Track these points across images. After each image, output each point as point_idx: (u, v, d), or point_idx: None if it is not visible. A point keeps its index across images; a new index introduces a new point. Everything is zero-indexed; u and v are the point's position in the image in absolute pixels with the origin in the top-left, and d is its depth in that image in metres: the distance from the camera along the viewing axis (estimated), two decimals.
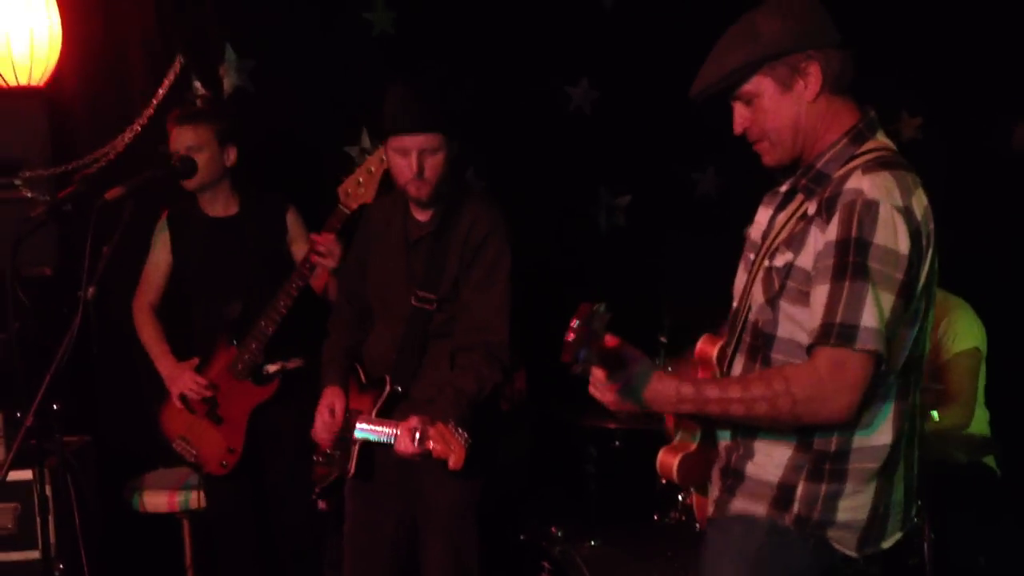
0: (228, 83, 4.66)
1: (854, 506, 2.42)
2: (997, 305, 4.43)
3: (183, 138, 4.04)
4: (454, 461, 3.21)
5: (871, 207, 2.28)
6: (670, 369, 3.98)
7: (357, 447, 3.51)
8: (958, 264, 3.06)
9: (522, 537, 4.06)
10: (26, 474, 3.79)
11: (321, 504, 3.63)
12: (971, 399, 4.14)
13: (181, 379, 4.10)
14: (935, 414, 3.61)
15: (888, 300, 2.28)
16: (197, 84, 4.63)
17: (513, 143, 4.87)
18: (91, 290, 2.89)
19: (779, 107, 2.43)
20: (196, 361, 4.12)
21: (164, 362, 4.17)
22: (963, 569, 3.88)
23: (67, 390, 3.12)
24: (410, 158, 3.41)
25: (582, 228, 5.07)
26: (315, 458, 3.65)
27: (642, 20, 4.94)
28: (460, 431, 3.22)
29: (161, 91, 4.51)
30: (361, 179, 3.77)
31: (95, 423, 4.44)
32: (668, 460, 2.57)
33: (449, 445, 3.21)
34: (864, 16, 4.87)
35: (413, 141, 3.40)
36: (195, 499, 4.31)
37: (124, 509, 4.38)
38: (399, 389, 3.50)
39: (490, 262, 3.48)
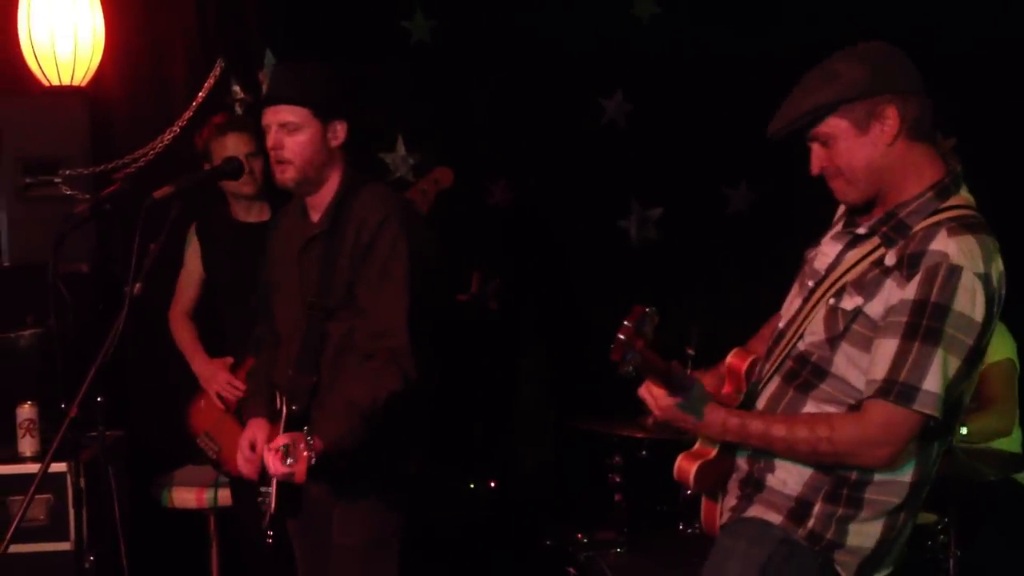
0: (266, 87, 4.71)
1: (865, 533, 2.47)
2: None
3: (240, 145, 4.06)
4: (297, 475, 2.83)
5: (955, 272, 2.31)
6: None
7: (275, 482, 3.11)
8: None
9: (548, 543, 4.08)
10: (60, 467, 3.84)
11: (269, 536, 3.23)
12: (1010, 407, 4.15)
13: (216, 379, 4.14)
14: (964, 429, 3.61)
15: (955, 365, 2.33)
16: (236, 88, 4.69)
17: (546, 154, 4.90)
18: (137, 286, 2.92)
19: (855, 149, 2.43)
20: (231, 360, 4.17)
21: (199, 361, 4.21)
22: None
23: (103, 385, 3.16)
24: (270, 134, 3.10)
25: (613, 240, 5.09)
26: (257, 499, 3.32)
27: (677, 34, 4.97)
28: (311, 440, 2.83)
29: (201, 94, 4.55)
30: (412, 199, 3.75)
31: (127, 419, 4.49)
32: (686, 466, 2.61)
33: (296, 457, 2.82)
34: (894, 38, 4.89)
35: (273, 114, 3.09)
36: (223, 496, 4.34)
37: (153, 504, 4.43)
38: (294, 408, 3.10)
39: (383, 258, 3.07)
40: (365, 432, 2.97)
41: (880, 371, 2.35)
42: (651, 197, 5.10)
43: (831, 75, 2.44)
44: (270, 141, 3.10)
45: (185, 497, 4.40)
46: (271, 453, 2.88)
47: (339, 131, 3.14)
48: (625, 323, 2.30)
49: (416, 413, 3.20)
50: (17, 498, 3.52)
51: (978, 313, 2.33)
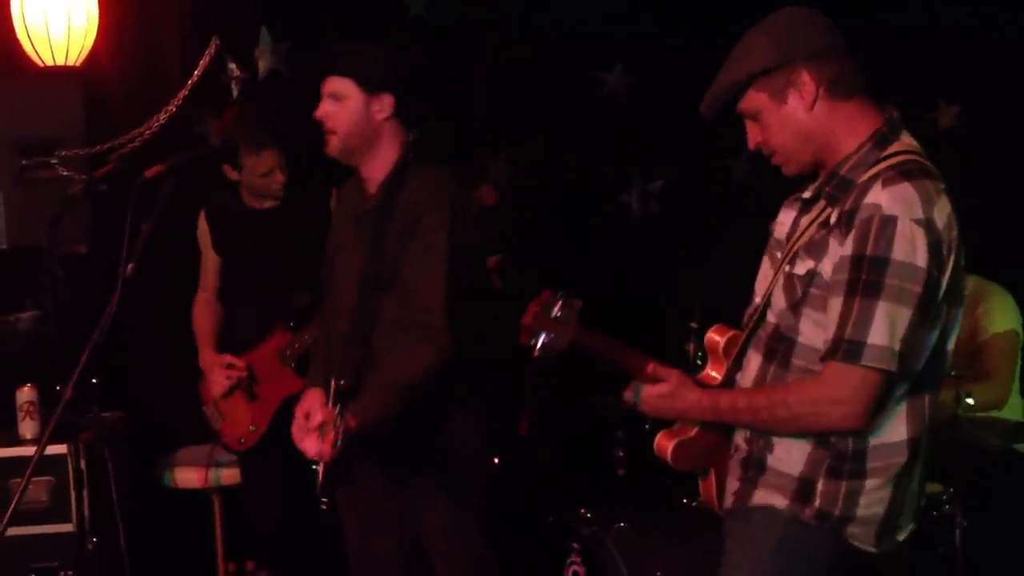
0: (263, 65, 4.71)
1: (874, 501, 2.44)
2: None
3: (272, 159, 4.06)
4: (323, 455, 2.96)
5: (889, 223, 2.29)
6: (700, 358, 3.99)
7: None
8: (996, 251, 3.05)
9: (551, 519, 4.07)
10: (60, 448, 3.84)
11: (323, 503, 3.24)
12: (1007, 379, 4.13)
13: (212, 376, 4.13)
14: (969, 400, 3.58)
15: (904, 315, 2.30)
16: (232, 66, 4.66)
17: (546, 128, 4.87)
18: (131, 267, 2.91)
19: (779, 120, 2.44)
20: (228, 359, 4.14)
21: (204, 353, 4.20)
22: (995, 556, 3.85)
23: (102, 366, 3.15)
24: (320, 104, 3.19)
25: (615, 214, 5.06)
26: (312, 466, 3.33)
27: (676, 5, 4.93)
28: (340, 421, 2.92)
29: (196, 73, 4.54)
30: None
31: (127, 400, 4.48)
32: (664, 443, 2.61)
33: (324, 435, 2.93)
34: (900, 4, 4.86)
35: (324, 85, 3.19)
36: (226, 475, 4.35)
37: (155, 485, 4.43)
38: (342, 383, 3.09)
39: (427, 238, 3.14)
40: (402, 406, 3.06)
41: (830, 331, 2.35)
42: (652, 170, 5.08)
43: (744, 51, 2.45)
44: (318, 111, 3.19)
45: (188, 477, 4.40)
46: (310, 433, 3.03)
47: (384, 106, 3.19)
48: (531, 308, 2.48)
49: (473, 396, 3.34)
50: (18, 480, 3.50)
51: (920, 259, 2.29)
